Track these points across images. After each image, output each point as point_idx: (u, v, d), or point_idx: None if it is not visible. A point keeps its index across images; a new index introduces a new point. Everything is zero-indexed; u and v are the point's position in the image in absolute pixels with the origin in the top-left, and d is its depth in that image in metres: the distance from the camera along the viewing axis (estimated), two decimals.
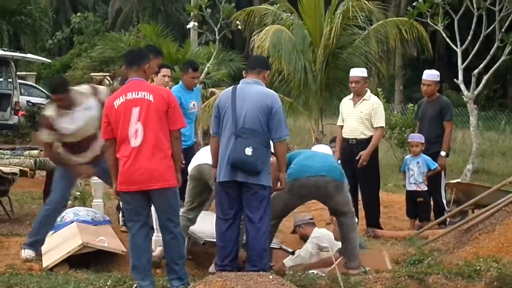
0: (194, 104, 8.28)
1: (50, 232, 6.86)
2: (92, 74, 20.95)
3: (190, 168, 6.58)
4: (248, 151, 5.85)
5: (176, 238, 5.67)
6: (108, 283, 5.25)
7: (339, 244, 6.55)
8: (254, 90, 6.06)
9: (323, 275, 5.94)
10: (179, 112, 5.72)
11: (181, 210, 6.31)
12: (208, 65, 15.53)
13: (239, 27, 14.08)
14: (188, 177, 6.55)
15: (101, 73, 21.95)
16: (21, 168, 8.40)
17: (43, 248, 6.60)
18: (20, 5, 25.86)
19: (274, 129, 5.95)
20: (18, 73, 18.44)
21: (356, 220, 6.69)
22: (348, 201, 6.41)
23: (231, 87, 6.20)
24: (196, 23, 15.92)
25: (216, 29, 14.02)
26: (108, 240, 6.64)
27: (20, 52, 20.83)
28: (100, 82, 19.81)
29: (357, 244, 6.49)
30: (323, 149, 7.19)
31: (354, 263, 6.33)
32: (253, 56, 6.88)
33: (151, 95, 5.59)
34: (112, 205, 8.79)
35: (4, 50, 20.10)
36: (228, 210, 6.02)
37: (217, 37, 14.27)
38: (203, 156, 6.53)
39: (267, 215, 5.99)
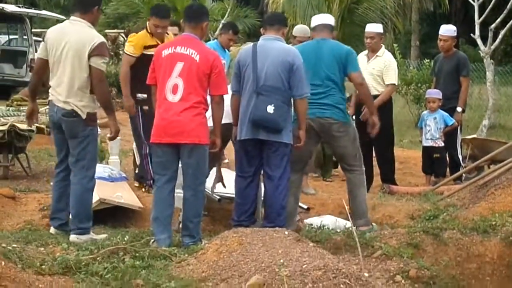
0: (223, 64, 8.31)
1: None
2: (106, 31, 20.92)
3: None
4: (270, 108, 5.87)
5: (197, 196, 5.68)
6: (125, 239, 5.29)
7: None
8: (275, 47, 6.07)
9: (338, 230, 5.97)
10: (223, 78, 5.71)
11: None
12: (222, 21, 15.46)
13: None
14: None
15: (115, 30, 21.92)
16: (37, 125, 8.44)
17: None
18: None
19: (295, 86, 5.97)
20: (33, 30, 18.40)
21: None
22: (355, 155, 6.42)
23: (252, 44, 6.19)
24: None
25: None
26: (125, 196, 6.70)
27: (34, 9, 20.80)
28: (115, 39, 19.81)
29: (365, 202, 6.50)
30: None
31: (361, 220, 6.36)
32: (270, 13, 6.89)
33: (198, 54, 5.58)
34: (128, 162, 8.84)
35: (19, 7, 20.11)
36: (248, 168, 6.09)
37: None
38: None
39: (287, 172, 6.06)
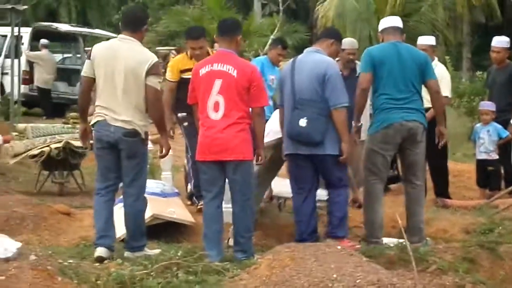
0: (273, 79, 8.34)
1: (120, 205, 6.99)
2: (157, 48, 21.16)
3: (268, 135, 6.53)
4: (302, 122, 5.86)
5: (245, 211, 5.70)
6: (178, 254, 5.33)
7: None
8: (311, 59, 6.06)
9: (392, 245, 5.91)
10: (262, 90, 5.72)
11: None
12: (272, 36, 15.52)
13: None
14: (267, 144, 6.54)
15: (166, 47, 22.16)
16: (92, 142, 8.56)
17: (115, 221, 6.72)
18: None
19: (329, 97, 5.91)
20: (86, 48, 18.71)
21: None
22: (423, 165, 6.37)
23: (293, 58, 6.21)
24: None
25: (279, 0, 13.99)
26: (178, 211, 6.75)
27: (87, 28, 21.16)
28: (166, 57, 20.02)
29: (422, 220, 6.39)
30: None
31: (416, 237, 6.19)
32: (326, 27, 6.89)
33: (235, 70, 5.61)
34: (180, 178, 8.91)
35: (73, 26, 20.47)
36: (302, 183, 6.07)
37: (281, 8, 14.23)
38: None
39: (342, 181, 6.02)
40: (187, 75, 6.74)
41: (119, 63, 5.59)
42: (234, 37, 5.77)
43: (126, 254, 5.69)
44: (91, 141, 5.88)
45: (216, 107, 5.58)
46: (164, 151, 5.89)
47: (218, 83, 5.58)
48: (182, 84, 6.73)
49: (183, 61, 7.33)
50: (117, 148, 5.64)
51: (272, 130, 6.34)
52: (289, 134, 5.98)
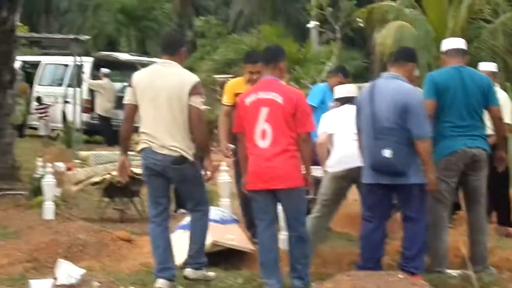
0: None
1: (180, 231, 7.03)
2: (215, 76, 21.37)
3: (335, 165, 6.52)
4: (387, 153, 5.71)
5: (301, 237, 5.69)
6: (238, 281, 5.34)
7: None
8: (391, 86, 5.92)
9: (455, 274, 5.81)
10: (308, 115, 5.69)
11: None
12: (329, 63, 15.53)
13: (361, 24, 14.02)
14: (333, 174, 6.51)
15: (224, 75, 22.36)
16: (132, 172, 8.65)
17: (174, 247, 6.77)
18: (147, 11, 26.67)
19: (412, 127, 5.77)
20: None
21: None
22: (485, 190, 6.23)
23: (371, 83, 6.10)
24: (317, 22, 15.95)
25: (337, 28, 14.00)
26: (237, 238, 6.75)
27: (146, 57, 21.50)
28: (223, 84, 20.22)
29: (486, 248, 6.25)
30: None
31: (479, 266, 6.06)
32: (399, 48, 6.73)
33: (280, 97, 5.61)
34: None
35: (132, 55, 20.85)
36: (375, 212, 5.95)
37: (338, 36, 14.24)
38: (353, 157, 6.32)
39: (424, 214, 5.89)
40: None
41: (161, 87, 5.58)
42: (277, 64, 5.76)
43: (188, 272, 5.69)
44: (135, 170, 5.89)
45: (263, 135, 5.57)
46: (210, 174, 5.82)
47: (264, 111, 5.58)
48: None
49: (238, 85, 7.29)
50: (165, 175, 5.65)
51: (339, 160, 6.31)
52: (371, 164, 5.84)
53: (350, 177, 6.41)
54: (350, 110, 6.53)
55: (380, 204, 5.96)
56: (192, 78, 5.68)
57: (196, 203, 5.75)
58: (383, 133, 5.79)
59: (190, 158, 5.62)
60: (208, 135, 5.91)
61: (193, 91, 5.59)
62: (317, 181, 6.47)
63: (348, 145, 6.36)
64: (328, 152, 6.67)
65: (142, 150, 5.69)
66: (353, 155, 6.21)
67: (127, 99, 5.73)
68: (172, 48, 5.74)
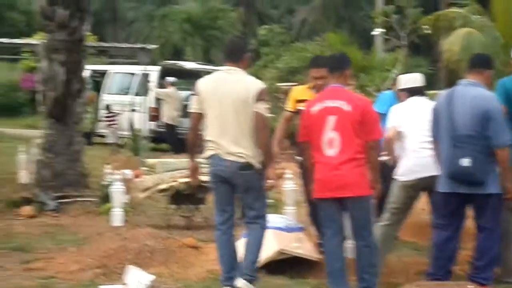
0: None
1: (244, 239, 7.05)
2: (278, 84, 21.38)
3: (405, 174, 6.40)
4: (466, 162, 5.63)
5: (369, 246, 5.66)
6: None
7: None
8: (470, 93, 5.82)
9: None
10: (375, 123, 5.66)
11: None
12: (394, 71, 15.39)
13: (427, 31, 13.85)
14: (403, 183, 6.39)
15: (287, 83, 22.36)
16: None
17: (239, 254, 6.79)
18: (212, 20, 26.94)
19: (492, 135, 5.68)
20: None
21: None
22: None
23: (448, 90, 6.01)
24: (382, 30, 15.84)
25: (402, 35, 13.87)
26: (303, 246, 6.74)
27: (211, 65, 21.70)
28: (286, 92, 20.22)
29: None
30: None
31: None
32: (475, 55, 6.62)
33: (348, 104, 5.60)
34: (304, 212, 8.91)
35: (197, 64, 21.08)
36: (450, 220, 5.87)
37: (404, 43, 14.10)
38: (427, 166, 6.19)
39: (497, 223, 5.79)
40: (302, 106, 6.64)
41: (226, 94, 5.56)
42: (343, 72, 5.75)
43: (241, 284, 5.61)
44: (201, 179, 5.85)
45: (331, 143, 5.56)
46: (272, 181, 5.77)
47: (332, 120, 5.58)
48: (298, 115, 6.70)
49: (301, 92, 7.23)
50: (231, 182, 5.63)
51: (410, 169, 6.24)
52: (449, 173, 5.75)
53: (421, 186, 6.32)
54: (419, 103, 6.43)
55: (456, 213, 5.87)
56: (258, 84, 5.66)
57: (256, 215, 5.68)
58: (461, 141, 5.69)
59: (257, 165, 5.61)
60: (271, 142, 5.84)
61: (259, 97, 5.56)
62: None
63: (420, 153, 6.24)
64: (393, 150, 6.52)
65: (209, 157, 5.69)
66: (425, 163, 6.12)
67: (193, 108, 5.76)
68: (235, 55, 5.73)
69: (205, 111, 5.65)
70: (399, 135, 6.46)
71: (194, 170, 5.89)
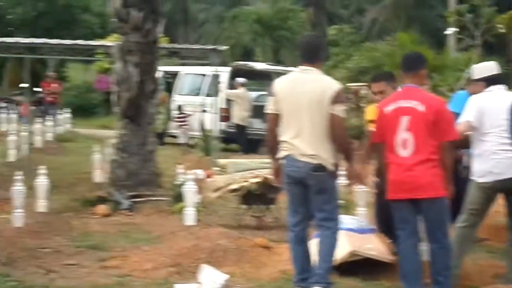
0: None
1: (317, 239, 7.03)
2: (348, 84, 21.27)
3: (484, 175, 6.18)
4: None
5: (444, 248, 5.59)
6: None
7: None
8: None
9: None
10: (450, 123, 5.59)
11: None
12: (467, 71, 15.12)
13: (501, 30, 13.59)
14: (480, 185, 6.18)
15: (357, 83, 22.25)
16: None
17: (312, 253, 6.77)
18: (282, 21, 26.99)
19: None
20: None
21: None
22: None
23: None
24: (455, 29, 15.59)
25: (476, 34, 13.63)
26: (376, 248, 6.69)
27: (281, 66, 21.72)
28: (357, 92, 20.10)
29: None
30: None
31: None
32: None
33: (421, 105, 5.53)
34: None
35: (267, 64, 21.15)
36: None
37: (478, 42, 13.85)
38: None
39: None
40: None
41: (303, 94, 5.50)
42: (418, 72, 5.68)
43: None
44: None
45: (404, 144, 5.51)
46: (353, 182, 5.79)
47: (405, 120, 5.52)
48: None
49: (373, 111, 6.82)
50: (304, 183, 5.58)
51: (489, 171, 6.12)
52: None
53: (500, 188, 6.18)
54: (498, 95, 6.13)
55: None
56: (334, 85, 5.58)
57: (326, 217, 5.62)
58: None
59: (330, 167, 5.55)
60: (350, 143, 5.75)
61: (335, 99, 5.49)
62: None
63: (499, 154, 6.03)
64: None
65: (283, 157, 5.64)
66: (505, 165, 5.98)
67: (269, 109, 5.70)
68: (312, 55, 5.65)
69: (281, 111, 5.59)
70: (473, 130, 6.16)
71: (277, 171, 5.81)
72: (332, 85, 5.58)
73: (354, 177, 5.78)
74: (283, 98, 5.58)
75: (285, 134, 5.60)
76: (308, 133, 5.51)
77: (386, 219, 6.28)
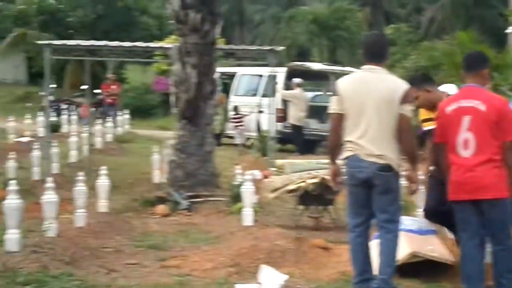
0: None
1: (378, 240, 6.97)
2: None
3: None
4: None
5: (506, 250, 5.49)
6: None
7: None
8: None
9: None
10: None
11: None
12: None
13: None
14: None
15: None
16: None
17: (372, 255, 6.72)
18: (339, 21, 26.90)
19: None
20: None
21: None
22: None
23: None
24: None
25: None
26: (437, 249, 6.62)
27: (339, 66, 21.64)
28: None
29: None
30: None
31: None
32: None
33: (482, 104, 5.46)
34: None
35: (324, 64, 21.09)
36: None
37: None
38: None
39: None
40: (430, 125, 6.35)
41: (370, 94, 5.42)
42: (479, 71, 5.60)
43: None
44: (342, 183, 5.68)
45: (466, 144, 5.44)
46: (416, 186, 5.66)
47: (467, 120, 5.45)
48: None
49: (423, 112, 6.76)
50: (369, 184, 5.49)
51: None
52: None
53: None
54: None
55: None
56: (403, 85, 5.50)
57: (389, 219, 5.54)
58: None
59: (396, 168, 5.48)
60: (415, 143, 5.65)
61: (404, 99, 5.42)
62: None
63: None
64: None
65: (347, 157, 5.56)
66: None
67: (333, 109, 5.61)
68: (378, 54, 5.58)
69: (346, 111, 5.50)
70: None
71: (335, 174, 5.72)
72: (401, 84, 5.52)
73: (416, 181, 5.66)
74: (349, 98, 5.49)
75: (350, 134, 5.51)
76: (375, 133, 5.42)
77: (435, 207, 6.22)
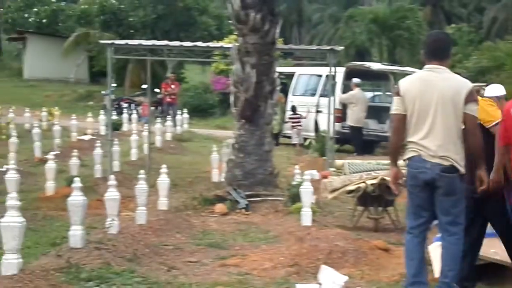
0: None
1: (438, 243, 6.88)
2: None
3: None
4: None
5: None
6: None
7: None
8: None
9: None
10: None
11: None
12: None
13: None
14: None
15: (476, 84, 21.66)
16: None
17: (432, 257, 6.65)
18: (399, 20, 26.64)
19: None
20: (395, 86, 18.96)
21: None
22: None
23: None
24: None
25: None
26: (500, 252, 6.50)
27: (398, 66, 21.44)
28: (477, 92, 19.64)
29: None
30: None
31: None
32: None
33: None
34: None
35: (384, 64, 20.92)
36: None
37: None
38: None
39: None
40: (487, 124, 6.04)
41: (435, 94, 5.32)
42: None
43: None
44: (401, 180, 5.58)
45: None
46: (484, 185, 5.47)
47: None
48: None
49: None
50: (432, 186, 5.37)
51: None
52: None
53: None
54: None
55: None
56: (468, 84, 5.39)
57: (452, 221, 5.42)
58: None
59: (461, 169, 5.37)
60: (482, 144, 5.48)
61: (469, 98, 5.32)
62: None
63: None
64: None
65: (409, 158, 5.45)
66: None
67: (394, 109, 5.50)
68: (441, 54, 5.46)
69: (408, 112, 5.40)
70: None
71: (396, 177, 5.62)
72: (466, 84, 5.41)
73: (485, 182, 5.49)
74: (411, 98, 5.39)
75: (413, 135, 5.41)
76: (440, 133, 5.32)
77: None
